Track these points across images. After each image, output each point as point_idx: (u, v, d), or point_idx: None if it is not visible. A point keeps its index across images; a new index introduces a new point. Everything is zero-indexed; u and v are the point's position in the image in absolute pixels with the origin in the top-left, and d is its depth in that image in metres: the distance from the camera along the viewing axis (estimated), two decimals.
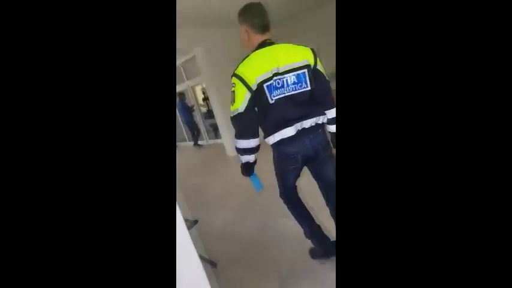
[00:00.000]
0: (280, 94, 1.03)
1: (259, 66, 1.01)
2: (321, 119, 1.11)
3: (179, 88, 6.06)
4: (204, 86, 5.88)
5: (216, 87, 4.17)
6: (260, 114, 1.08)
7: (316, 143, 1.12)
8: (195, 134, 6.12)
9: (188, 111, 5.87)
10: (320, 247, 1.35)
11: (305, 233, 1.37)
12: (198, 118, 6.12)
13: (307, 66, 1.06)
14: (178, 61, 5.56)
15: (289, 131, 1.06)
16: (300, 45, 1.09)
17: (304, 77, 1.05)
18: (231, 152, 4.44)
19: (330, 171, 1.18)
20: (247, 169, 1.20)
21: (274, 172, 1.27)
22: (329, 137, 1.22)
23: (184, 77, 5.92)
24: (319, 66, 1.11)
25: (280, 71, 1.01)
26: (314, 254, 1.42)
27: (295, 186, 1.31)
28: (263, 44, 1.07)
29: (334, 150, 1.18)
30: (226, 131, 4.36)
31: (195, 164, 4.90)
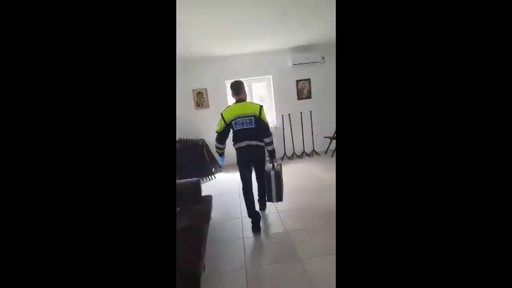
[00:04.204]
0: (239, 127, 2.32)
1: (231, 112, 2.32)
2: (260, 144, 2.37)
3: None
4: None
5: None
6: (233, 134, 2.39)
7: (255, 154, 2.39)
8: None
9: None
10: (254, 225, 2.47)
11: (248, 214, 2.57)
12: None
13: (254, 116, 2.29)
14: None
15: (242, 144, 2.35)
16: (255, 103, 2.38)
17: (252, 121, 2.29)
18: None
19: (259, 171, 2.53)
20: (218, 154, 2.57)
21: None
22: (267, 153, 2.46)
23: None
24: (262, 116, 2.31)
25: (240, 116, 2.30)
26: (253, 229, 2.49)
27: (249, 180, 2.49)
28: (237, 101, 2.38)
29: (268, 163, 2.52)
30: None
31: None
